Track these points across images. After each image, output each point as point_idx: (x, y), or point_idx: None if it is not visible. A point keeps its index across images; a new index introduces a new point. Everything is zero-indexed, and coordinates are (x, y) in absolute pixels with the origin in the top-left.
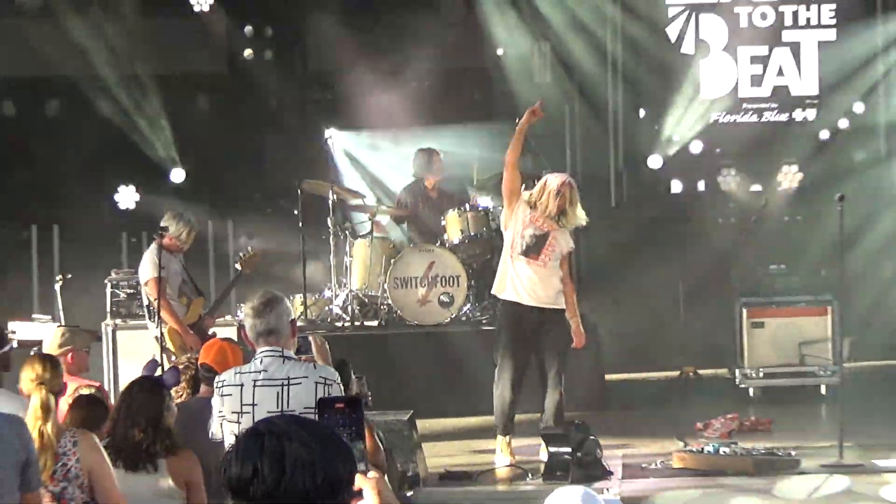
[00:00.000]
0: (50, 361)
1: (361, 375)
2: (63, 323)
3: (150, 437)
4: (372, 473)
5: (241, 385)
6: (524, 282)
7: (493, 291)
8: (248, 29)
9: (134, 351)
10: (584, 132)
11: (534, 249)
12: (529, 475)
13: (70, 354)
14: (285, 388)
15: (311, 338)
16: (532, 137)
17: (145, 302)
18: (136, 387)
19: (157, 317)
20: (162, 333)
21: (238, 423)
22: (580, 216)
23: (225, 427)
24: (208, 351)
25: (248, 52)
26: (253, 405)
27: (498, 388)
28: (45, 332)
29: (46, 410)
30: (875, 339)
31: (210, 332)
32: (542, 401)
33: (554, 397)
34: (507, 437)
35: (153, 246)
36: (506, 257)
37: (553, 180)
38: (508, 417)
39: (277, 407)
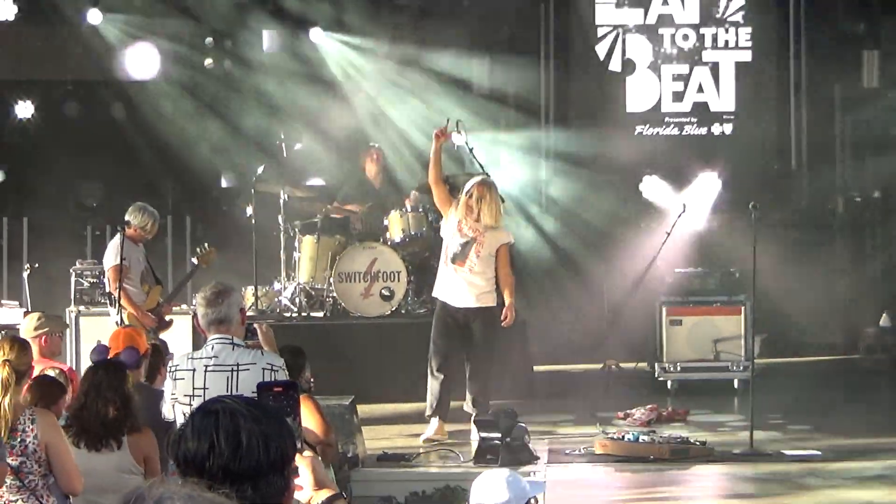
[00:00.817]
0: (19, 343)
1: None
2: (30, 309)
3: (122, 414)
4: (307, 452)
5: (194, 370)
6: (452, 286)
7: (433, 293)
8: (209, 40)
9: (95, 335)
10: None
11: (460, 256)
12: (461, 457)
13: (44, 338)
14: (235, 373)
15: (256, 325)
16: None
17: (107, 289)
18: (101, 369)
19: (117, 303)
20: (122, 319)
21: (190, 405)
22: (497, 213)
23: (177, 409)
24: (115, 339)
25: (208, 62)
26: (204, 388)
27: (428, 376)
28: (13, 316)
29: (5, 387)
30: (784, 337)
31: (167, 318)
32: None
33: (473, 387)
34: (436, 419)
35: (117, 237)
36: (441, 263)
37: (467, 185)
38: (438, 402)
39: (227, 391)
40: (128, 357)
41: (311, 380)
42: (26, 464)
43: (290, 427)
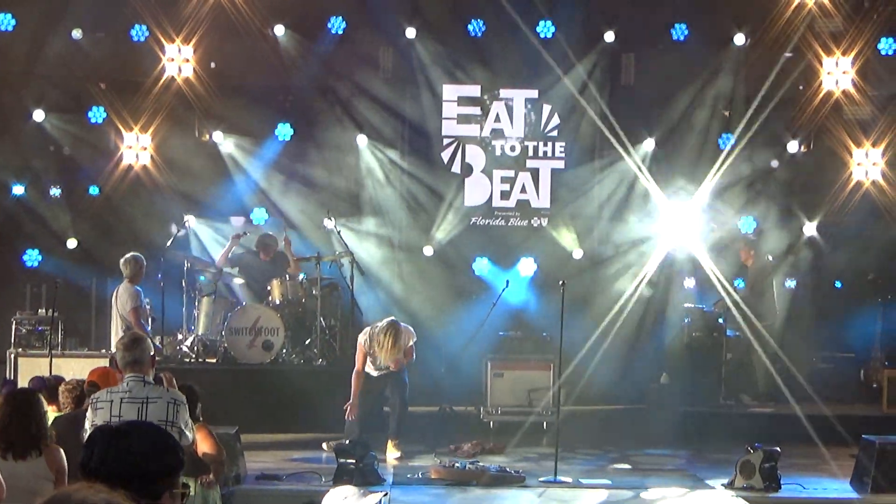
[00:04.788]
0: None
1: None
2: None
3: (42, 429)
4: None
5: (112, 401)
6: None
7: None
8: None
9: (30, 372)
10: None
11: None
12: (322, 478)
13: None
14: (144, 405)
15: (162, 375)
16: None
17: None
18: (20, 394)
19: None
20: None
21: None
22: (395, 351)
23: None
24: (94, 372)
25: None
26: (119, 416)
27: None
28: None
29: None
30: (585, 389)
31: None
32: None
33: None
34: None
35: (129, 285)
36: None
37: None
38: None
39: (138, 419)
40: (35, 384)
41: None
42: None
43: (175, 445)
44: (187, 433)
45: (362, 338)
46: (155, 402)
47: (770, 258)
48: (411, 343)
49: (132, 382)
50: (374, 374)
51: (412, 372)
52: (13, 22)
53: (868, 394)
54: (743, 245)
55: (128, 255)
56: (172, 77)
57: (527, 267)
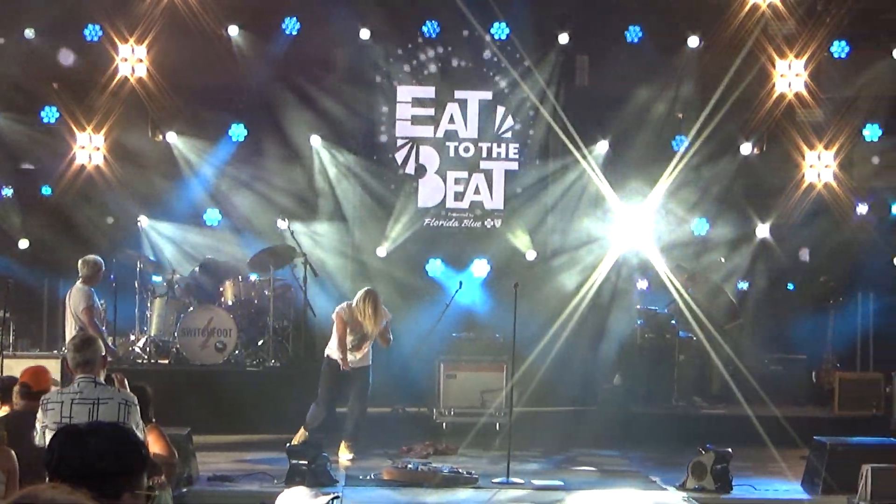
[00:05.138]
0: None
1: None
2: None
3: None
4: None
5: (62, 402)
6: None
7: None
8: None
9: None
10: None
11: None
12: (275, 480)
13: None
14: (95, 405)
15: (114, 375)
16: None
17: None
18: None
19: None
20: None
21: None
22: (378, 318)
23: (47, 434)
24: (26, 373)
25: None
26: (70, 418)
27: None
28: None
29: None
30: (537, 390)
31: None
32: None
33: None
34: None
35: (83, 285)
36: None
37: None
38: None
39: (89, 419)
40: None
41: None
42: None
43: (138, 445)
44: (138, 434)
45: (340, 308)
46: (106, 402)
47: (722, 259)
48: (386, 321)
49: (83, 383)
50: (351, 362)
51: None
52: None
53: (819, 396)
54: (678, 274)
55: (87, 257)
56: (126, 77)
57: (480, 268)
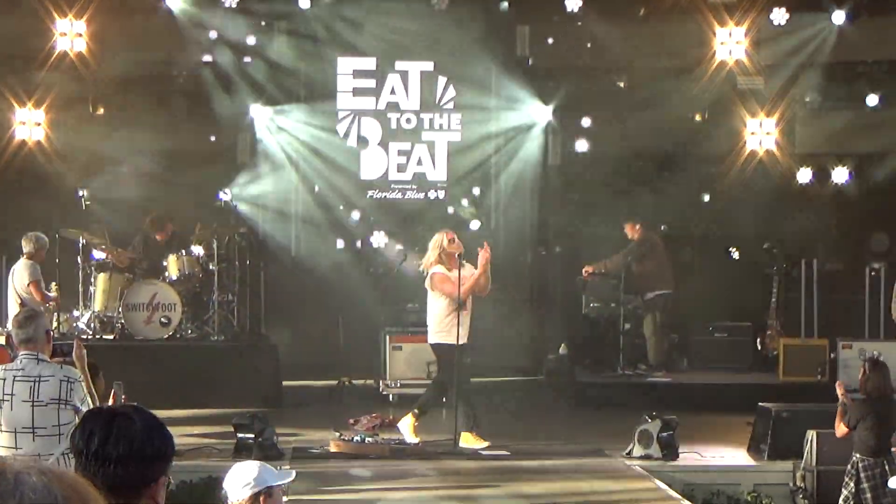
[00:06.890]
0: None
1: (120, 383)
2: None
3: None
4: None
5: (4, 379)
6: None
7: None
8: None
9: None
10: None
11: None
12: (220, 453)
13: None
14: (37, 383)
15: (75, 341)
16: None
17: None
18: None
19: None
20: None
21: (0, 408)
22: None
23: None
24: None
25: None
26: (11, 395)
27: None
28: None
29: None
30: (484, 360)
31: None
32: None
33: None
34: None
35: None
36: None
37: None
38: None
39: (30, 397)
40: None
41: (124, 397)
42: None
43: (168, 433)
44: (83, 410)
45: (433, 253)
46: (47, 380)
47: (664, 227)
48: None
49: (25, 360)
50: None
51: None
52: None
53: (764, 362)
54: (626, 219)
55: (31, 233)
56: (65, 52)
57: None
